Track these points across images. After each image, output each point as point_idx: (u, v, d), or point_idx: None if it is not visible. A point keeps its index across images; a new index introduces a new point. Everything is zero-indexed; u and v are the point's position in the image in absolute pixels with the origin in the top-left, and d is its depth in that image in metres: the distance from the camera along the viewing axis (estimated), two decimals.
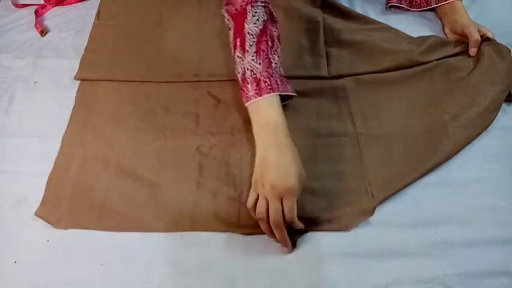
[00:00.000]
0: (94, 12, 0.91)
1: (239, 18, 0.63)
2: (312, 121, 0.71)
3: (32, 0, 0.95)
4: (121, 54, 0.82)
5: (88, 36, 0.86)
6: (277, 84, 0.61)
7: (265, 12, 0.64)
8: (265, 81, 0.61)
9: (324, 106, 0.73)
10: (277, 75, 0.63)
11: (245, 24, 0.62)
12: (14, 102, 0.77)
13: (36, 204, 0.64)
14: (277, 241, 0.57)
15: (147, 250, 0.59)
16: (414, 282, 0.55)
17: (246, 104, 0.61)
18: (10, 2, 0.94)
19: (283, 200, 0.55)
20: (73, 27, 0.89)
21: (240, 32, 0.63)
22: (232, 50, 0.65)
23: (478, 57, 0.76)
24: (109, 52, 0.82)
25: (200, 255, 0.59)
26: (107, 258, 0.59)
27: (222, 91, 0.75)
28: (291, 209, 0.55)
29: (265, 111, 0.60)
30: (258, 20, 0.62)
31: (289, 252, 0.58)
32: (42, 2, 0.94)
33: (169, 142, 0.70)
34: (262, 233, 0.58)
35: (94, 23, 0.88)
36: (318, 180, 0.64)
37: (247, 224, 0.60)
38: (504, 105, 0.72)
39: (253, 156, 0.66)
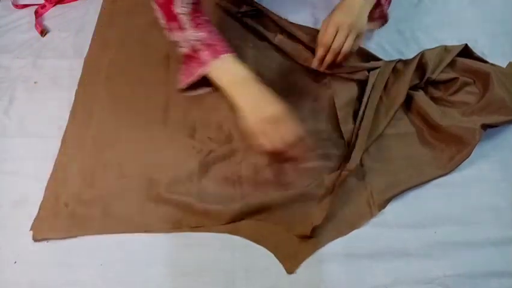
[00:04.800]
0: (94, 12, 0.91)
1: (166, 4, 0.65)
2: (310, 122, 0.71)
3: (32, 0, 0.95)
4: (121, 56, 0.83)
5: (87, 36, 0.86)
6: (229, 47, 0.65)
7: None
8: (219, 45, 0.65)
9: (325, 107, 0.73)
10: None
11: (173, 8, 0.65)
12: (14, 102, 0.77)
13: (36, 205, 0.63)
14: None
15: (147, 250, 0.59)
16: (414, 282, 0.55)
17: (204, 68, 0.65)
18: (10, 2, 0.94)
19: (284, 125, 0.60)
20: (73, 27, 0.89)
21: (171, 16, 0.66)
22: (169, 35, 0.68)
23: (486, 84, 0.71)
24: (110, 57, 0.83)
25: (200, 255, 0.59)
26: (107, 259, 0.59)
27: (218, 98, 0.75)
28: (293, 128, 0.60)
29: (231, 68, 0.64)
30: (187, 3, 0.65)
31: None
32: (42, 2, 0.94)
33: (170, 143, 0.70)
34: (262, 234, 0.59)
35: (95, 27, 0.88)
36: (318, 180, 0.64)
37: (247, 225, 0.61)
38: None
39: (252, 160, 0.66)
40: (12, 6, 0.94)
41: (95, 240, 0.60)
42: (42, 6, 0.93)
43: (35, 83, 0.80)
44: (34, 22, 0.90)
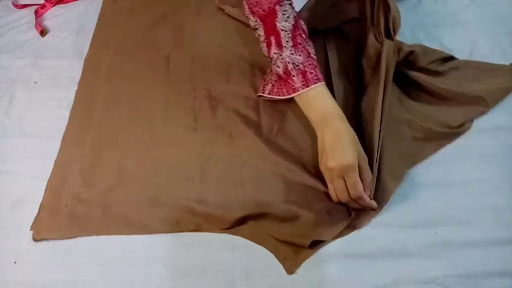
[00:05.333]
0: (93, 12, 0.92)
1: (269, 18, 0.65)
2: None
3: (32, 0, 0.95)
4: (121, 56, 0.83)
5: (87, 36, 0.86)
6: (321, 74, 0.64)
7: (292, 8, 0.66)
8: (311, 72, 0.63)
9: None
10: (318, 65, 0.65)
11: (276, 23, 0.64)
12: (14, 102, 0.77)
13: (36, 205, 0.64)
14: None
15: (147, 250, 0.59)
16: (414, 282, 0.55)
17: (293, 95, 0.64)
18: (10, 2, 0.94)
19: (345, 179, 0.58)
20: (73, 27, 0.89)
21: (272, 30, 0.65)
22: (266, 49, 0.67)
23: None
24: (110, 57, 0.83)
25: (200, 255, 0.59)
26: (107, 259, 0.59)
27: (218, 96, 0.75)
28: (352, 184, 0.57)
29: (316, 101, 0.63)
30: (288, 17, 0.65)
31: (376, 211, 0.60)
32: (42, 2, 0.94)
33: (170, 144, 0.70)
34: (262, 235, 0.59)
35: (95, 27, 0.89)
36: (310, 191, 0.63)
37: (247, 227, 0.60)
38: (505, 105, 0.71)
39: (252, 165, 0.66)
40: (12, 6, 0.94)
41: (95, 240, 0.60)
42: (42, 6, 0.93)
43: (35, 83, 0.80)
44: (34, 22, 0.90)
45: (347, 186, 0.58)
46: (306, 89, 0.63)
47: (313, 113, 0.63)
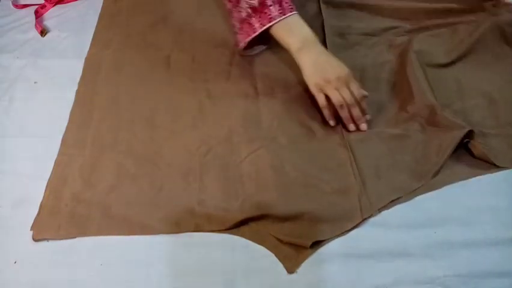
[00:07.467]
0: (93, 12, 0.92)
1: None
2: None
3: (32, 0, 0.95)
4: (121, 56, 0.83)
5: (87, 36, 0.86)
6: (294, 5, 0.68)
7: None
8: (286, 2, 0.67)
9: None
10: None
11: None
12: (14, 102, 0.77)
13: (36, 205, 0.64)
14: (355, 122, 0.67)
15: (147, 250, 0.59)
16: (414, 283, 0.55)
17: (268, 25, 0.67)
18: (10, 2, 0.94)
19: (350, 84, 0.65)
20: (73, 27, 0.90)
21: None
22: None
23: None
24: (110, 57, 0.83)
25: (200, 255, 0.59)
26: (107, 258, 0.59)
27: (218, 96, 0.75)
28: (358, 87, 0.66)
29: (295, 28, 0.67)
30: None
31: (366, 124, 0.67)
32: (43, 2, 0.94)
33: (169, 143, 0.70)
34: (262, 235, 0.59)
35: (96, 27, 0.89)
36: (310, 187, 0.63)
37: (247, 227, 0.60)
38: (505, 105, 0.71)
39: (251, 160, 0.66)
40: (12, 6, 0.94)
41: (95, 240, 0.60)
42: (42, 6, 0.93)
43: (35, 83, 0.80)
44: (34, 22, 0.90)
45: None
46: (283, 17, 0.66)
47: (293, 40, 0.67)
